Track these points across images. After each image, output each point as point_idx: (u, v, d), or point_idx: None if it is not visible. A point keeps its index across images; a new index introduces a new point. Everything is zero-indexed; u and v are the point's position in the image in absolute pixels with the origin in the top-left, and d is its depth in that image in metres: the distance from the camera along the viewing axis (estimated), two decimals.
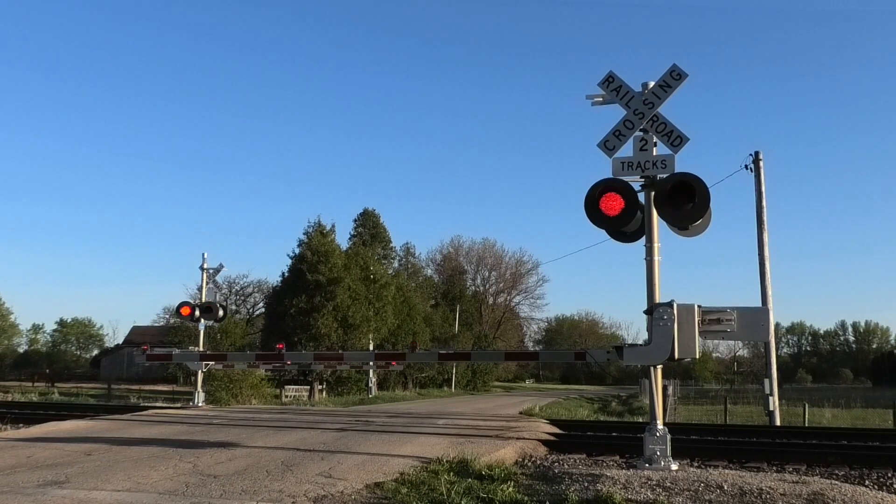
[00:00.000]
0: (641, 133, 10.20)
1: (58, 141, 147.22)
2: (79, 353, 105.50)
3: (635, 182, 10.07)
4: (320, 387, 49.05)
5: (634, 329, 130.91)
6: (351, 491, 7.52)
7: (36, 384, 64.04)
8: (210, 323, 23.68)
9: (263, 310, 69.17)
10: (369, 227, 74.21)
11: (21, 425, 15.49)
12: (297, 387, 46.87)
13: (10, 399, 32.82)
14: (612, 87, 10.45)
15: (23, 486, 7.58)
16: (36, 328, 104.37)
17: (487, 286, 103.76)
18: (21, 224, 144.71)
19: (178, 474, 8.35)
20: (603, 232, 10.57)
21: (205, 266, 24.13)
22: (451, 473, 8.43)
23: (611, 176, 10.09)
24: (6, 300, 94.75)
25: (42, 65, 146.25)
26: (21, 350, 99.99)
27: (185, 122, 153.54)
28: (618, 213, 9.86)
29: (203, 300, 23.42)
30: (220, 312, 23.30)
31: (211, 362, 21.02)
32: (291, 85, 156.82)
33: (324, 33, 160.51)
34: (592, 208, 9.91)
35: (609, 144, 10.29)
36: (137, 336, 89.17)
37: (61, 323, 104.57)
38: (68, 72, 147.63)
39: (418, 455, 10.13)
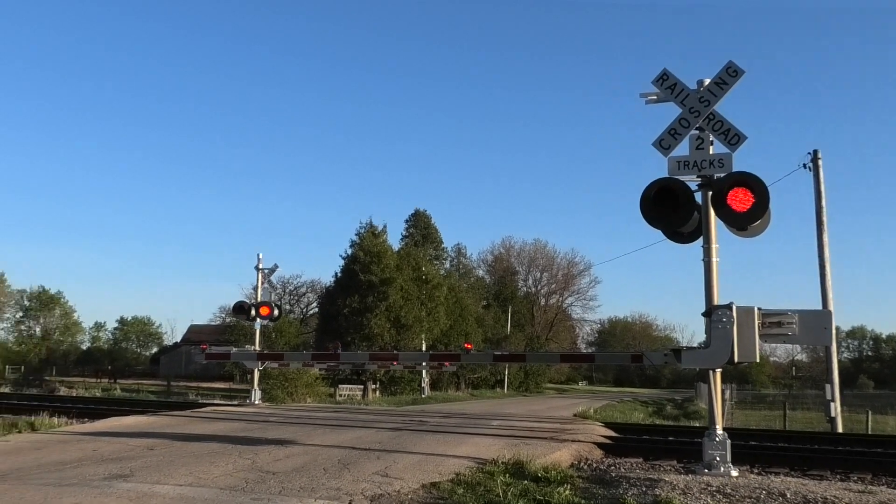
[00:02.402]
0: (697, 131, 10.06)
1: (122, 150, 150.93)
2: (139, 350, 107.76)
3: (692, 181, 9.93)
4: (374, 386, 49.34)
5: (689, 332, 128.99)
6: (407, 490, 7.55)
7: (99, 380, 65.66)
8: (265, 322, 24.01)
9: (317, 310, 69.85)
10: (420, 227, 74.47)
11: (86, 420, 15.86)
12: (350, 386, 47.23)
13: (74, 394, 33.72)
14: (667, 85, 10.31)
15: (90, 478, 7.78)
16: (98, 326, 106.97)
17: (539, 287, 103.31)
18: (84, 226, 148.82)
19: (237, 470, 8.48)
20: (658, 232, 10.46)
21: (260, 266, 24.47)
22: (507, 475, 8.41)
23: (666, 175, 9.97)
24: (70, 299, 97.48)
25: (106, 76, 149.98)
26: (84, 347, 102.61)
27: (241, 129, 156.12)
28: (674, 214, 9.73)
29: (259, 300, 23.75)
30: (276, 312, 23.62)
31: (267, 361, 21.30)
32: (346, 90, 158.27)
33: (375, 39, 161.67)
34: (648, 209, 9.80)
35: (664, 143, 10.16)
36: (194, 335, 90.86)
37: (122, 321, 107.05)
38: (128, 83, 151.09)
39: (473, 456, 10.12)
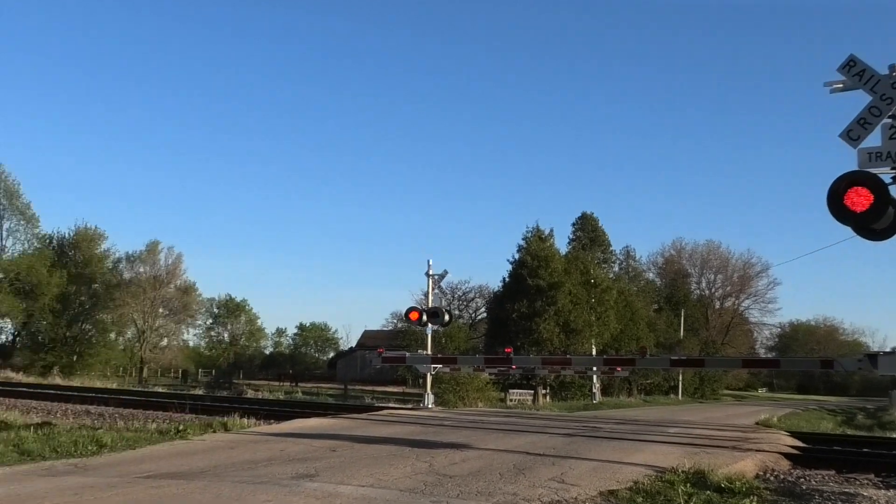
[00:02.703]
0: (891, 120, 9.35)
1: (302, 169, 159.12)
2: (317, 355, 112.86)
3: (886, 174, 9.24)
4: (544, 391, 49.14)
5: (880, 336, 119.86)
6: (585, 497, 7.45)
7: (282, 383, 69.28)
8: (436, 327, 24.47)
9: (485, 314, 70.48)
10: (588, 231, 73.50)
11: (272, 421, 16.76)
12: (520, 391, 47.21)
13: (260, 396, 35.69)
14: (854, 72, 9.64)
15: (279, 477, 8.22)
16: (280, 332, 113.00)
17: (713, 290, 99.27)
18: (267, 238, 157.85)
19: (415, 473, 8.69)
20: (847, 230, 9.80)
21: (430, 272, 24.98)
22: (688, 484, 8.13)
23: (856, 168, 9.33)
24: (254, 307, 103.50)
25: (283, 99, 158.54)
26: (267, 352, 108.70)
27: (409, 142, 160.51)
28: (866, 209, 9.07)
29: (430, 305, 24.25)
30: (446, 317, 24.02)
31: (439, 365, 21.73)
32: (514, 98, 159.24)
33: (540, 48, 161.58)
34: (836, 204, 9.19)
35: (853, 134, 9.50)
36: (368, 340, 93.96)
37: (301, 327, 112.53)
38: (307, 106, 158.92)
39: (650, 464, 9.87)
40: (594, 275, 56.62)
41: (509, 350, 19.51)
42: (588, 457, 10.62)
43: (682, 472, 8.90)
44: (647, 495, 7.60)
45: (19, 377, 50.67)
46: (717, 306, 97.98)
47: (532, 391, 47.68)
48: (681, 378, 65.67)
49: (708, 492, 7.79)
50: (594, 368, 29.31)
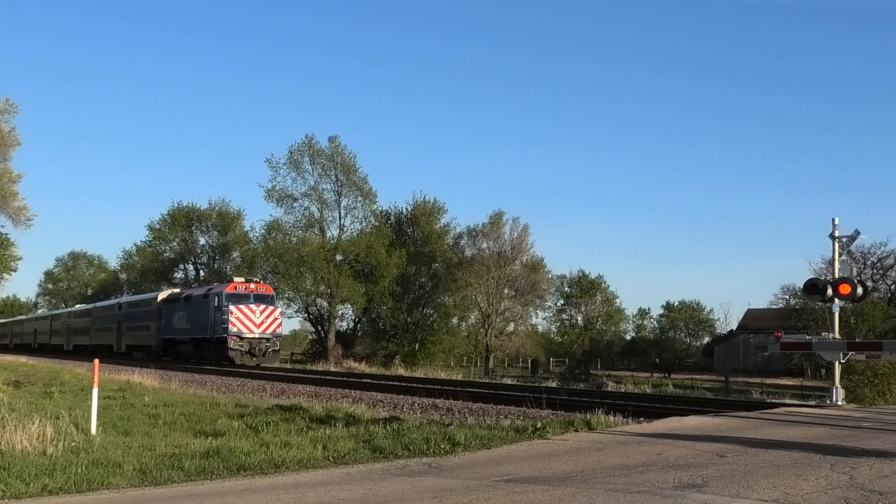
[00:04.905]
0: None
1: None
2: (688, 340, 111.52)
3: None
4: None
5: None
6: None
7: (649, 374, 69.53)
8: (845, 303, 22.96)
9: None
10: None
11: (641, 419, 16.81)
12: None
13: (623, 390, 36.08)
14: None
15: (659, 486, 8.24)
16: (642, 313, 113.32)
17: None
18: (623, 204, 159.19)
19: (831, 486, 8.24)
20: None
21: (836, 234, 23.42)
22: None
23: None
24: (611, 284, 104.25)
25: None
26: (628, 337, 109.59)
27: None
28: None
29: (836, 276, 22.79)
30: (859, 290, 22.43)
31: (851, 352, 20.40)
32: None
33: None
34: None
35: None
36: (752, 320, 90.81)
37: (668, 307, 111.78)
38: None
39: None
40: None
41: None
42: None
43: None
44: None
45: (362, 367, 56.17)
46: None
47: None
48: None
49: None
50: None
